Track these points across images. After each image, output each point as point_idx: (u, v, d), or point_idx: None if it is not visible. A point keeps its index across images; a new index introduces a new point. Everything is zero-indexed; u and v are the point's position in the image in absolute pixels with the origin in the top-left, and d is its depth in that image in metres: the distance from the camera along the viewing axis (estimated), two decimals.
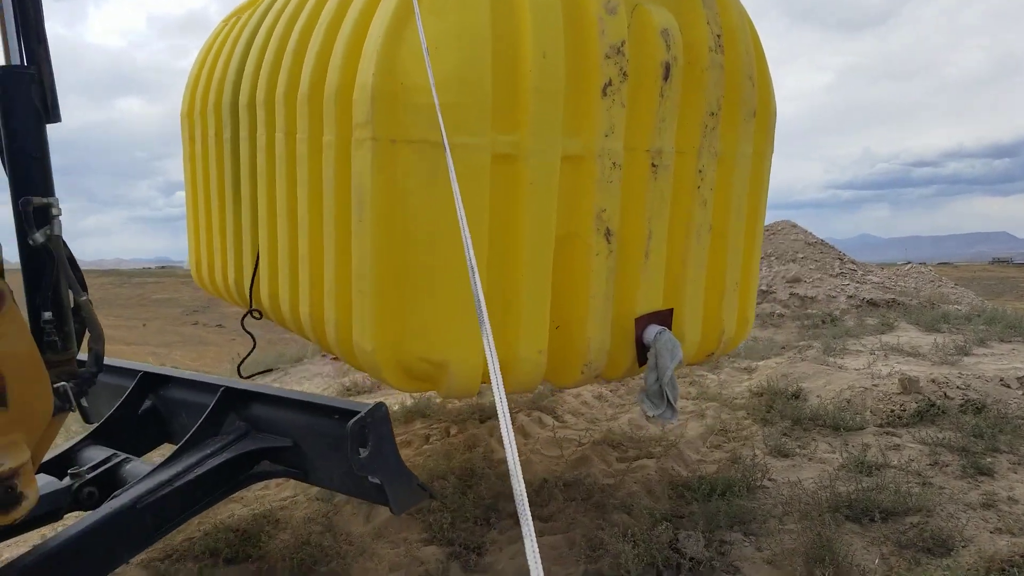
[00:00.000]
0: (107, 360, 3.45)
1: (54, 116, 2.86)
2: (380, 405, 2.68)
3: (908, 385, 5.52)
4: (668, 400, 3.20)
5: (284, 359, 9.96)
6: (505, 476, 4.44)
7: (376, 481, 2.67)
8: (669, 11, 3.13)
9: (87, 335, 2.91)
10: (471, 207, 2.82)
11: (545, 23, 2.79)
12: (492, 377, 1.88)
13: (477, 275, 2.26)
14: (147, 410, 3.78)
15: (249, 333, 4.27)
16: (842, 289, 10.98)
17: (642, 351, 3.30)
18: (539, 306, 3.02)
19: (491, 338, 2.08)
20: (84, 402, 2.93)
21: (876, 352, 7.24)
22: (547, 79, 2.81)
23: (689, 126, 3.25)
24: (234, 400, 3.28)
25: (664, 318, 3.33)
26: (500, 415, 1.72)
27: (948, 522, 3.66)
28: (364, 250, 2.92)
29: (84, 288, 2.85)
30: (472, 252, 2.31)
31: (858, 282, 11.45)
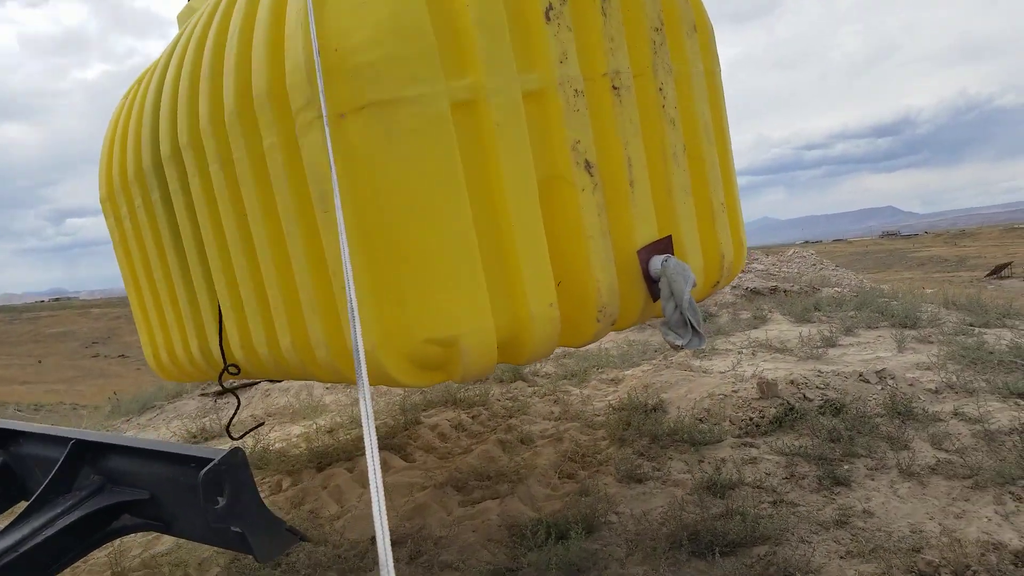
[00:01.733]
0: None
1: None
2: (236, 451, 2.35)
3: (766, 389, 4.95)
4: (692, 325, 2.76)
5: (161, 395, 8.98)
6: (333, 535, 3.98)
7: (238, 530, 2.32)
8: None
9: None
10: (440, 162, 2.52)
11: None
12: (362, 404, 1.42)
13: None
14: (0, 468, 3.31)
15: (232, 391, 3.64)
16: None
17: (652, 285, 2.95)
18: (539, 256, 2.69)
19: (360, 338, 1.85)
20: None
21: (744, 351, 6.57)
22: (487, 12, 2.55)
23: (638, 45, 3.04)
24: (87, 453, 2.88)
25: (665, 246, 3.06)
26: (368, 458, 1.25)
27: (797, 550, 3.24)
28: (337, 243, 2.45)
29: None
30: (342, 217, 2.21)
31: (743, 271, 10.56)
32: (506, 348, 2.72)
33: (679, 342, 2.87)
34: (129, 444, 2.83)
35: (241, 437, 4.19)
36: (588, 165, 2.79)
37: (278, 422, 6.47)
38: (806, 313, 7.92)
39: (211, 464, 2.33)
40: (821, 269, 11.86)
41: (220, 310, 3.55)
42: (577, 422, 5.29)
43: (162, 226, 3.86)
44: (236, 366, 3.59)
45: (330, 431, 5.83)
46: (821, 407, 4.72)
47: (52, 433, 3.13)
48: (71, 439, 2.92)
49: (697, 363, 6.25)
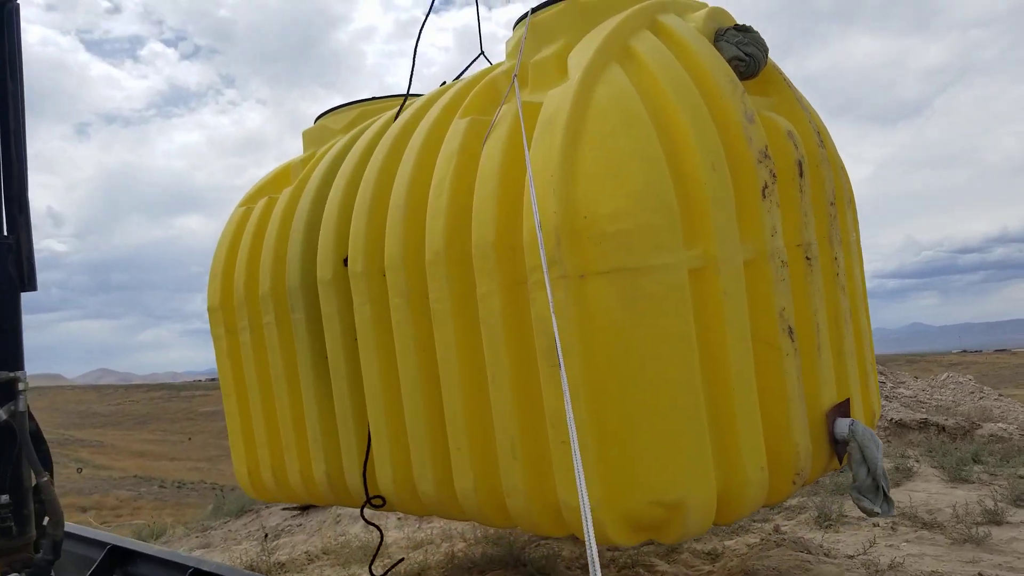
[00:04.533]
0: (74, 529, 3.26)
1: (30, 285, 2.70)
2: None
3: None
4: (884, 492, 2.83)
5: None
6: None
7: None
8: (782, 115, 3.22)
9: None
10: (676, 326, 2.68)
11: (704, 136, 2.79)
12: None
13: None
14: None
15: (375, 526, 3.60)
16: None
17: (834, 446, 3.02)
18: (754, 419, 2.82)
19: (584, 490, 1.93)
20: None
21: (881, 522, 5.40)
22: (720, 189, 2.78)
23: (820, 218, 3.29)
24: None
25: (846, 409, 3.22)
26: None
27: None
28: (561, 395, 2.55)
29: (49, 466, 2.63)
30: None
31: (887, 397, 9.22)
32: (719, 511, 2.80)
33: (876, 509, 2.99)
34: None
35: (385, 573, 4.06)
36: (790, 331, 2.96)
37: (337, 560, 6.15)
38: (962, 467, 6.47)
39: None
40: (981, 398, 10.23)
41: (369, 445, 3.55)
42: None
43: (301, 346, 3.89)
44: (381, 498, 3.56)
45: None
46: None
47: (170, 559, 3.29)
48: (189, 567, 3.11)
49: (819, 539, 5.02)
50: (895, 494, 5.54)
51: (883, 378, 10.03)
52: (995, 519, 5.03)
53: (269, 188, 4.68)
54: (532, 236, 2.70)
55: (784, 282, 2.97)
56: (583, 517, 1.93)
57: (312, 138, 4.64)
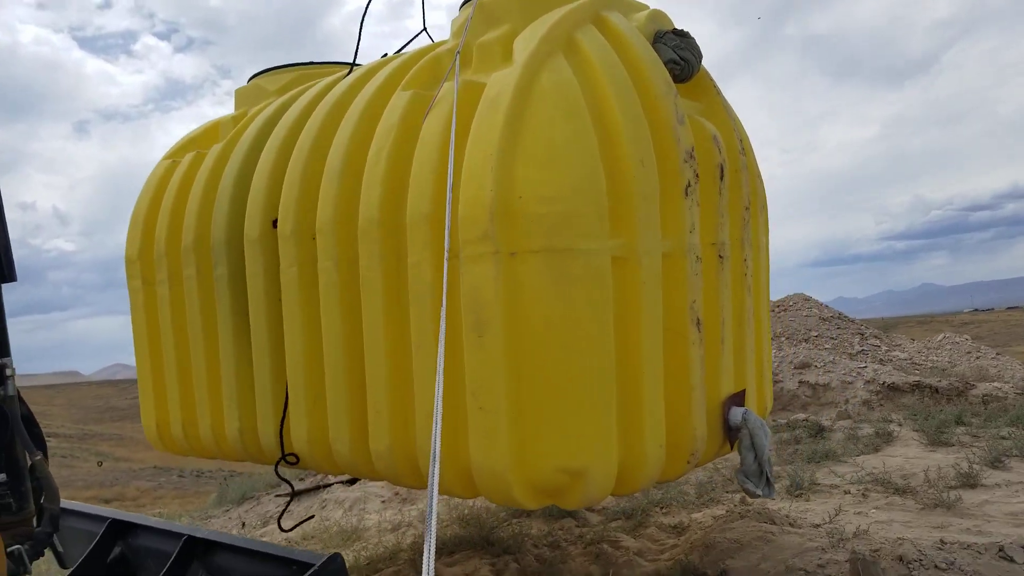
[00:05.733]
0: (77, 506, 3.44)
1: (9, 275, 2.83)
2: (335, 556, 2.63)
3: (861, 570, 3.73)
4: (767, 477, 3.09)
5: (261, 484, 8.80)
6: None
7: None
8: (708, 121, 3.44)
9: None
10: (596, 307, 2.86)
11: (638, 133, 2.97)
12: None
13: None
14: (116, 558, 3.61)
15: (287, 481, 3.64)
16: (859, 373, 8.68)
17: (728, 432, 3.31)
18: (658, 401, 3.04)
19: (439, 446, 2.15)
20: (59, 547, 2.94)
21: (853, 489, 5.21)
22: (647, 184, 2.97)
23: (735, 220, 3.54)
24: (197, 549, 3.20)
25: (739, 399, 3.50)
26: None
27: None
28: (487, 365, 2.81)
29: (41, 446, 2.78)
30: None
31: (880, 361, 9.21)
32: (617, 483, 3.00)
33: (758, 492, 3.26)
34: (236, 544, 3.08)
35: (292, 529, 4.13)
36: (698, 323, 3.19)
37: (317, 545, 6.10)
38: (944, 430, 6.29)
39: (311, 570, 2.54)
40: (978, 358, 10.20)
41: (287, 400, 3.59)
42: None
43: (221, 302, 3.90)
44: (295, 455, 3.62)
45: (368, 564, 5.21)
46: None
47: (167, 528, 3.39)
48: (184, 535, 3.19)
49: (787, 509, 4.92)
50: (873, 459, 5.92)
51: (877, 341, 9.95)
52: (969, 482, 4.99)
53: (197, 143, 4.63)
54: (468, 210, 2.83)
55: (697, 276, 3.20)
56: (431, 474, 2.03)
57: (245, 97, 4.60)
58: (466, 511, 5.64)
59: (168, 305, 4.22)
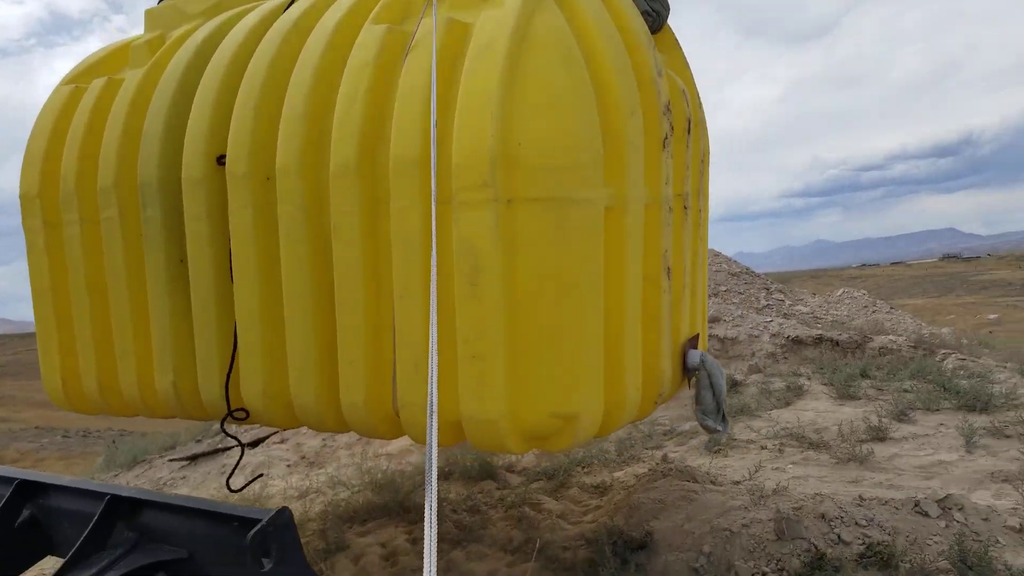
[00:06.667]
0: None
1: None
2: (283, 510, 2.44)
3: (786, 529, 3.79)
4: (723, 413, 3.30)
5: (154, 447, 8.10)
6: None
7: None
8: (676, 74, 3.54)
9: None
10: (590, 255, 2.91)
11: (626, 84, 3.01)
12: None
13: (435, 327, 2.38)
14: (25, 521, 3.26)
15: (234, 438, 3.43)
16: (765, 327, 9.03)
17: (687, 373, 3.57)
18: (637, 347, 3.16)
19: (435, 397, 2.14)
20: None
21: (770, 444, 5.31)
22: (636, 134, 3.03)
23: (694, 172, 3.68)
24: (122, 508, 2.91)
25: (695, 342, 3.71)
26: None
27: None
28: (483, 314, 2.80)
29: None
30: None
31: (785, 315, 9.59)
32: (600, 425, 3.11)
33: (717, 427, 3.48)
34: (167, 501, 2.84)
35: (241, 489, 3.87)
36: (668, 270, 3.33)
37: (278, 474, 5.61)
38: (851, 383, 6.55)
39: (259, 525, 2.39)
40: (874, 312, 10.67)
41: (233, 356, 3.39)
42: (536, 563, 4.03)
43: (152, 246, 3.58)
44: (244, 411, 3.43)
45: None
46: (862, 555, 3.64)
47: (85, 487, 3.04)
48: (106, 494, 2.87)
49: (707, 465, 4.95)
50: (787, 413, 6.09)
51: (782, 296, 10.38)
52: (879, 435, 5.17)
53: (103, 68, 4.14)
54: (464, 157, 2.77)
55: (668, 227, 3.33)
56: (429, 426, 2.06)
57: (159, 19, 4.15)
58: (379, 475, 5.47)
59: (80, 248, 3.80)
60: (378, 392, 3.11)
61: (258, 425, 4.13)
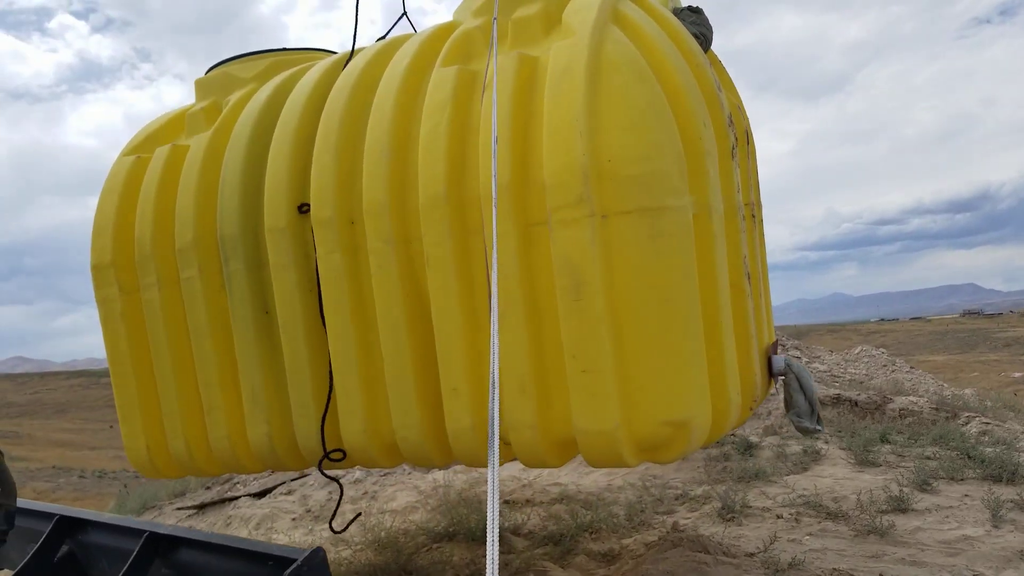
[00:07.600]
0: (21, 503, 3.19)
1: None
2: (318, 550, 2.51)
3: None
4: (817, 414, 3.35)
5: (164, 493, 7.99)
6: None
7: None
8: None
9: None
10: (685, 262, 2.99)
11: (695, 98, 3.14)
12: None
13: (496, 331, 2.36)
14: (64, 556, 3.38)
15: (335, 481, 3.44)
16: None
17: (770, 379, 3.63)
18: (734, 351, 3.23)
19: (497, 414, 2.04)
20: None
21: (786, 513, 5.04)
22: (711, 144, 3.15)
23: (755, 183, 3.81)
24: (160, 545, 3.04)
25: (776, 348, 3.77)
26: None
27: None
28: (588, 328, 2.88)
29: None
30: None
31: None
32: (709, 432, 3.16)
33: (811, 425, 3.53)
34: (204, 539, 2.94)
35: (344, 529, 3.84)
36: (748, 276, 3.43)
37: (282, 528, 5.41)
38: (871, 448, 6.21)
39: (295, 565, 2.45)
40: (893, 371, 10.24)
41: (329, 396, 3.43)
42: None
43: (237, 300, 3.66)
44: (342, 451, 3.45)
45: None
46: None
47: (123, 524, 3.19)
48: (145, 531, 3.01)
49: (720, 535, 4.71)
50: (802, 479, 5.74)
51: (798, 353, 10.04)
52: (900, 506, 4.89)
53: (161, 137, 4.28)
54: (557, 176, 2.88)
55: (744, 233, 3.44)
56: (490, 449, 2.07)
57: (212, 86, 4.30)
58: (382, 534, 5.23)
59: (160, 310, 3.87)
60: (484, 417, 3.16)
61: (353, 467, 4.10)
